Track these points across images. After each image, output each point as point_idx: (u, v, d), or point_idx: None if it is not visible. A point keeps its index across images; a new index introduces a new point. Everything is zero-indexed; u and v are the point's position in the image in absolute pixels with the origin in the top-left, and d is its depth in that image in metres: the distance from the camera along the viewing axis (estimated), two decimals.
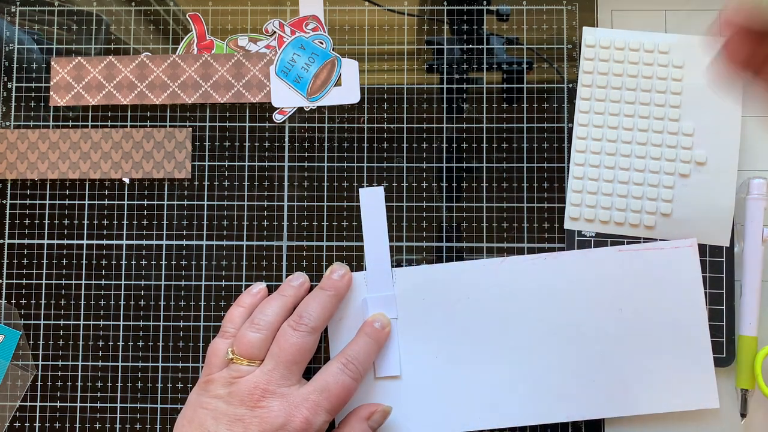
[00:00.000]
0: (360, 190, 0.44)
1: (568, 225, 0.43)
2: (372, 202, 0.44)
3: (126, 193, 0.45)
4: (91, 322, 0.44)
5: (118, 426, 0.43)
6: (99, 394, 0.44)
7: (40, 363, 0.44)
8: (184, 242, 0.44)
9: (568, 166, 0.44)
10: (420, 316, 0.42)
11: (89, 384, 0.44)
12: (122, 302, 0.44)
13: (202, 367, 0.43)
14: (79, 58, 0.45)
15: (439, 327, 0.42)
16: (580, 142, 0.44)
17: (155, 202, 0.45)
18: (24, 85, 0.46)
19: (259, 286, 0.43)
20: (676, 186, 0.43)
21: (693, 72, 0.43)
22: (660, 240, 0.43)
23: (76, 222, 0.45)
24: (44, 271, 0.45)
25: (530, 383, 0.42)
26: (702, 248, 0.42)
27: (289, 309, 0.41)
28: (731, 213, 0.42)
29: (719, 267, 0.43)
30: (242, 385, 0.38)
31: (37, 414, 0.44)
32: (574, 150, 0.44)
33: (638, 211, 0.43)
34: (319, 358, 0.43)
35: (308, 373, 0.40)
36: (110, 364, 0.44)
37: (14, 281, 0.45)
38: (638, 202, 0.43)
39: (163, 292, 0.44)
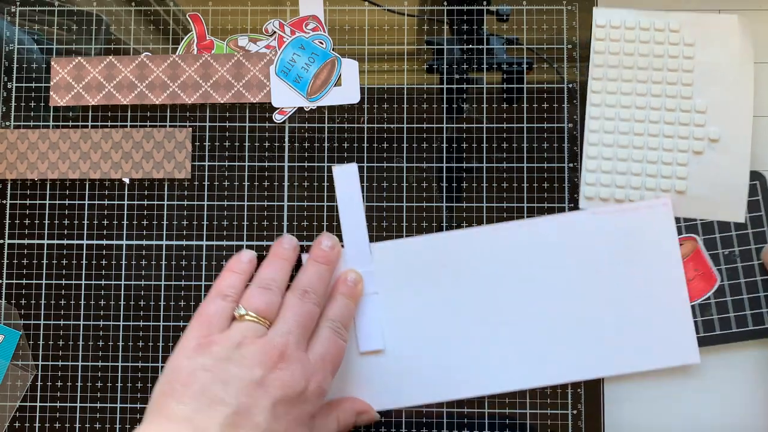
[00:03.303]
0: (333, 167, 0.44)
1: (583, 204, 0.44)
2: (346, 179, 0.44)
3: (126, 193, 0.45)
4: (91, 322, 0.44)
5: (118, 426, 0.43)
6: (99, 394, 0.44)
7: (40, 363, 0.44)
8: (184, 242, 0.44)
9: (580, 162, 0.44)
10: (400, 290, 0.43)
11: (89, 384, 0.44)
12: (122, 302, 0.44)
13: None
14: (79, 58, 0.45)
15: (419, 299, 0.43)
16: (594, 122, 0.44)
17: (155, 202, 0.45)
18: (24, 85, 0.46)
19: (250, 255, 0.42)
20: (690, 163, 0.43)
21: (704, 50, 0.44)
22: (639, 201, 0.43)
23: (76, 222, 0.45)
24: (44, 271, 0.45)
25: (511, 349, 0.42)
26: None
27: (290, 273, 0.41)
28: (746, 189, 0.43)
29: None
30: (258, 346, 0.35)
31: (37, 414, 0.44)
32: (588, 130, 0.44)
33: (653, 189, 0.43)
34: None
35: None
36: (110, 364, 0.44)
37: (14, 281, 0.45)
38: (653, 181, 0.43)
39: (163, 292, 0.44)
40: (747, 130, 0.43)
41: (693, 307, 0.42)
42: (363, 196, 0.44)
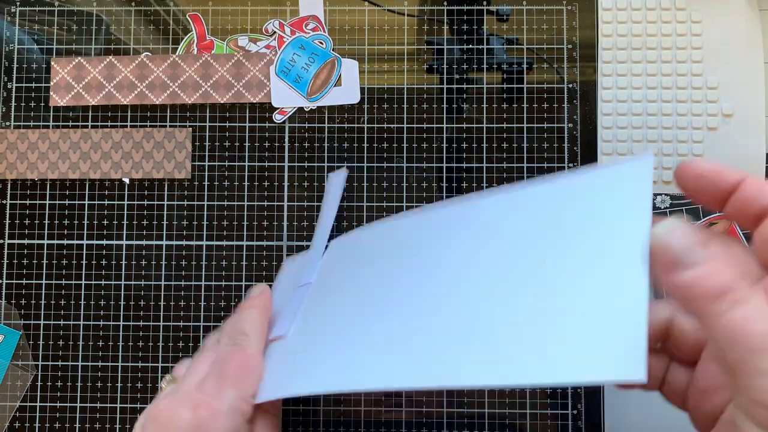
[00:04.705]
0: (329, 174, 0.44)
1: None
2: (336, 184, 0.44)
3: (126, 193, 0.45)
4: (91, 322, 0.44)
5: (118, 426, 0.43)
6: (99, 394, 0.44)
7: (40, 363, 0.44)
8: (184, 242, 0.44)
9: (595, 145, 0.44)
10: (337, 281, 0.39)
11: (89, 384, 0.44)
12: (122, 302, 0.44)
13: None
14: (79, 58, 0.46)
15: (354, 289, 0.38)
16: (607, 105, 0.44)
17: (155, 202, 0.45)
18: (24, 85, 0.46)
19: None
20: (706, 140, 0.43)
21: (712, 26, 0.44)
22: None
23: (76, 222, 0.45)
24: (44, 271, 0.45)
25: (430, 342, 0.33)
26: None
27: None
28: (763, 161, 0.43)
29: None
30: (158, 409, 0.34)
31: (37, 414, 0.44)
32: (601, 113, 0.44)
33: (670, 168, 0.43)
34: None
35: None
36: (110, 364, 0.44)
37: (14, 281, 0.45)
38: (669, 159, 0.43)
39: (163, 292, 0.44)
40: (761, 103, 0.43)
41: None
42: (363, 196, 0.44)
